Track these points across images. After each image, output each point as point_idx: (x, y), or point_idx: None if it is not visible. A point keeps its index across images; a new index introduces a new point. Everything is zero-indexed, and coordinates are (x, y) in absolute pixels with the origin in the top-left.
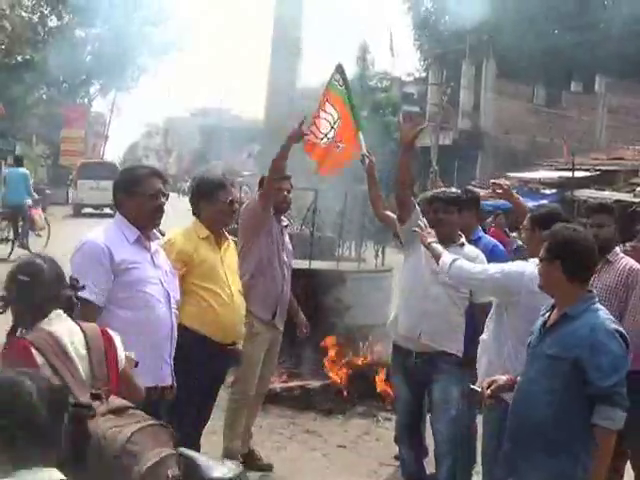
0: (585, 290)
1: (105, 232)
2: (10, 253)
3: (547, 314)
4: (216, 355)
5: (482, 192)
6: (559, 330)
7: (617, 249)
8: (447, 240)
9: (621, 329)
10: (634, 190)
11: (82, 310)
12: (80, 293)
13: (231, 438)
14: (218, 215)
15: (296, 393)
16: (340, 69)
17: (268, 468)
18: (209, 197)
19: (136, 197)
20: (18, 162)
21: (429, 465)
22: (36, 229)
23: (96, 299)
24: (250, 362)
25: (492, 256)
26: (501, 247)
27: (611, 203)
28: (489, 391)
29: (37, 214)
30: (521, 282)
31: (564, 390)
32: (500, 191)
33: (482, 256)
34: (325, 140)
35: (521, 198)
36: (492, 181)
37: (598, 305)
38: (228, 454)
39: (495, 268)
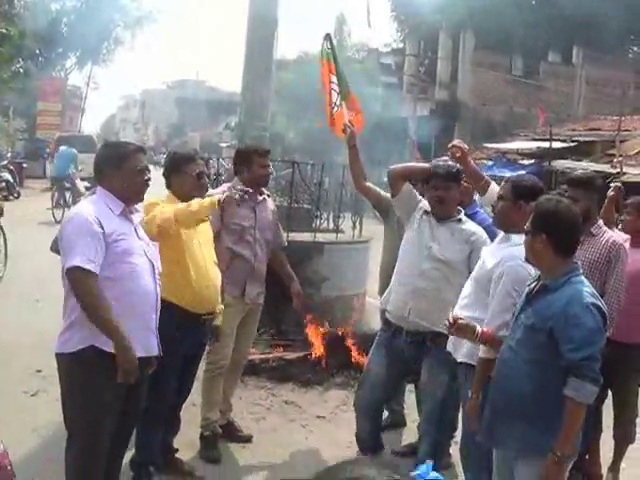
0: (570, 262)
1: (91, 204)
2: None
3: (533, 284)
4: (192, 326)
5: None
6: (538, 301)
7: (600, 222)
8: (447, 217)
9: (599, 303)
10: (611, 161)
11: (81, 279)
12: (77, 262)
13: (208, 409)
14: (187, 188)
15: (275, 364)
16: (328, 37)
17: (248, 439)
18: (178, 171)
19: (125, 172)
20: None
21: (409, 434)
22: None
23: (94, 268)
24: (226, 335)
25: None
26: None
27: (592, 175)
28: (451, 319)
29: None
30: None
31: (541, 361)
32: (459, 155)
33: (480, 232)
34: (336, 109)
35: (473, 163)
36: (451, 144)
37: (580, 277)
38: (206, 425)
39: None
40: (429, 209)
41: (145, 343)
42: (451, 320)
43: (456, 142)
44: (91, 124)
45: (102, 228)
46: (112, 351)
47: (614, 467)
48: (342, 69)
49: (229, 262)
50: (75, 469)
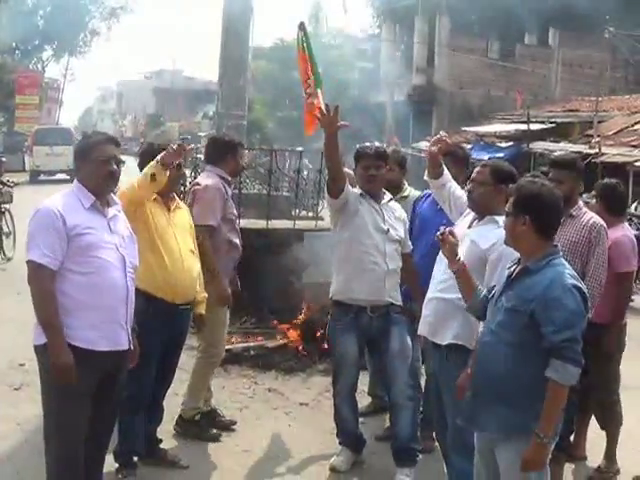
0: (550, 244)
1: (61, 198)
2: None
3: (513, 267)
4: (167, 315)
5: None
6: (519, 283)
7: (581, 203)
8: (379, 195)
9: (579, 284)
10: (589, 142)
11: (33, 272)
12: (32, 257)
13: (198, 398)
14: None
15: (257, 353)
16: (303, 27)
17: (231, 424)
18: (151, 160)
19: (89, 163)
20: None
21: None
22: None
23: (48, 262)
24: (221, 324)
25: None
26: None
27: (575, 156)
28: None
29: None
30: None
31: (522, 343)
32: (443, 148)
33: (402, 209)
34: (311, 99)
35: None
36: (435, 138)
37: (560, 260)
38: (187, 414)
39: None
40: (361, 192)
41: (112, 337)
42: (445, 233)
43: (442, 133)
44: (69, 116)
45: (64, 222)
46: (78, 345)
47: (609, 454)
48: (315, 59)
49: (227, 252)
50: (54, 459)
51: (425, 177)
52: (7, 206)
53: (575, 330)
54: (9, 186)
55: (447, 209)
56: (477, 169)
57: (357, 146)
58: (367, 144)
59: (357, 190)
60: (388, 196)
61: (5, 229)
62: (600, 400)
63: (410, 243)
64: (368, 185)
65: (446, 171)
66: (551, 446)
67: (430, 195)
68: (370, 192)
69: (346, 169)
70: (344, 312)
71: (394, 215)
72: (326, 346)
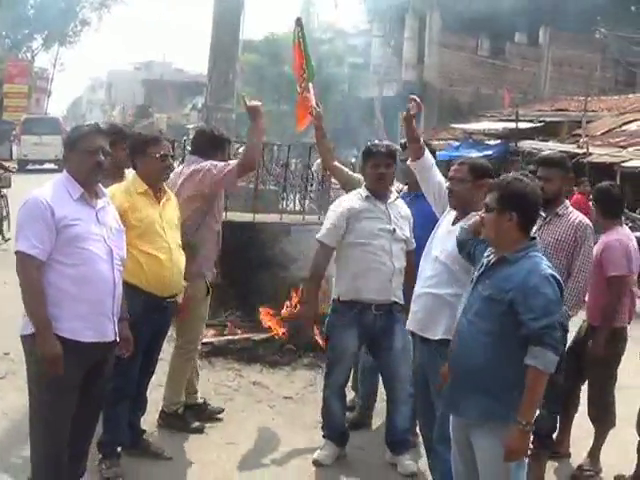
0: (529, 238)
1: (50, 188)
2: None
3: (490, 257)
4: (156, 309)
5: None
6: (496, 273)
7: (567, 202)
8: (386, 195)
9: (556, 274)
10: (578, 141)
11: (22, 263)
12: (21, 248)
13: (178, 391)
14: (150, 170)
15: (242, 346)
16: (299, 22)
17: (220, 411)
18: (142, 152)
19: (76, 153)
20: None
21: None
22: None
23: (37, 253)
24: (201, 320)
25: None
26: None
27: (564, 155)
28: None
29: None
30: None
31: (500, 332)
32: (415, 110)
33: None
34: (305, 93)
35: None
36: (411, 98)
37: (538, 253)
38: (170, 409)
39: None
40: (366, 193)
41: (99, 328)
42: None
43: (415, 97)
44: (58, 106)
45: (53, 213)
46: (64, 335)
47: (593, 453)
48: (310, 54)
49: (215, 244)
50: (39, 448)
51: (408, 162)
52: (5, 191)
53: (553, 317)
54: (10, 171)
55: (432, 200)
56: (455, 167)
57: (368, 144)
58: (377, 142)
59: (362, 192)
60: (394, 195)
61: (4, 213)
62: (594, 400)
63: (414, 240)
64: (377, 184)
65: (428, 153)
66: (530, 433)
67: (408, 196)
68: (378, 191)
69: (336, 163)
70: (348, 308)
71: (400, 214)
72: (319, 340)
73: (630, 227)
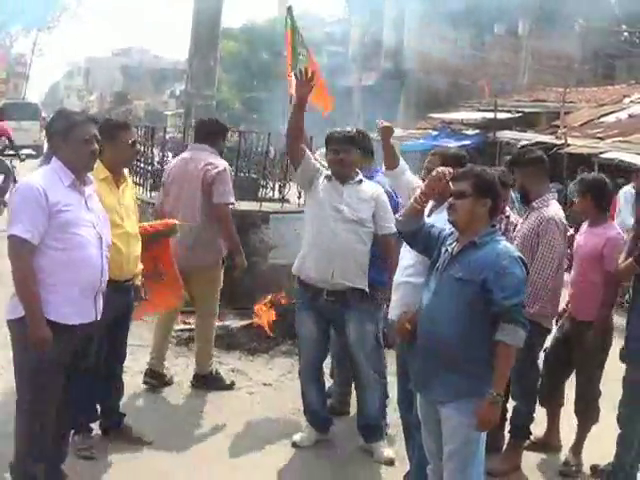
0: (491, 224)
1: (42, 174)
2: None
3: (453, 244)
4: (117, 293)
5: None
6: (467, 256)
7: (546, 196)
8: (348, 178)
9: (522, 256)
10: (556, 132)
11: (16, 247)
12: (15, 232)
13: (207, 353)
14: (119, 156)
15: (221, 333)
16: (290, 11)
17: (168, 383)
18: (111, 138)
19: (72, 142)
20: None
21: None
22: None
23: (31, 237)
24: (219, 285)
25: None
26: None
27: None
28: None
29: None
30: None
31: (471, 311)
32: (387, 133)
33: (378, 188)
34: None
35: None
36: (381, 125)
37: (501, 237)
38: (205, 371)
39: None
40: (330, 174)
41: (84, 311)
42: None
43: (386, 124)
44: (36, 91)
45: (47, 198)
46: (55, 320)
47: (576, 448)
48: (298, 43)
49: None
50: (24, 430)
51: (384, 170)
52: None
53: (521, 296)
54: (22, 160)
55: (407, 197)
56: (428, 158)
57: (328, 131)
58: (337, 129)
59: (326, 172)
60: (359, 177)
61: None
62: (581, 394)
63: (390, 225)
64: (334, 167)
65: (402, 162)
66: (500, 406)
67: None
68: (337, 175)
69: (317, 155)
70: (303, 291)
71: (357, 195)
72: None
73: None
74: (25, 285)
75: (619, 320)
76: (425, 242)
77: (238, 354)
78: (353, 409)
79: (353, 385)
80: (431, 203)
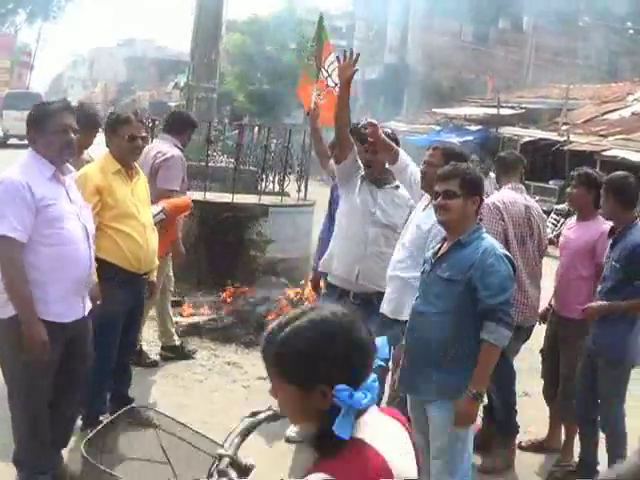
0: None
1: (22, 168)
2: None
3: (438, 246)
4: (132, 283)
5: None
6: (452, 256)
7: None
8: (382, 181)
9: (508, 254)
10: (558, 129)
11: (5, 247)
12: (2, 231)
13: (171, 329)
14: (119, 150)
15: (217, 325)
16: (321, 19)
17: (153, 364)
18: (113, 132)
19: (47, 132)
20: None
21: None
22: None
23: (18, 236)
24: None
25: None
26: None
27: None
28: None
29: None
30: None
31: (457, 310)
32: (372, 130)
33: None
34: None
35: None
36: (366, 122)
37: (487, 234)
38: (170, 343)
39: None
40: (364, 175)
41: (74, 307)
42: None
43: (371, 120)
44: (40, 81)
45: (32, 194)
46: (47, 319)
47: (566, 446)
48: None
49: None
50: (20, 429)
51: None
52: None
53: (508, 294)
54: None
55: (409, 191)
56: (429, 152)
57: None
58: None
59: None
60: (396, 183)
61: None
62: (566, 392)
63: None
64: (366, 169)
65: (403, 154)
66: (480, 403)
67: None
68: (367, 177)
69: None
70: (332, 292)
71: (392, 201)
72: None
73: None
74: (17, 285)
75: None
76: None
77: (234, 347)
78: None
79: None
80: (426, 199)
